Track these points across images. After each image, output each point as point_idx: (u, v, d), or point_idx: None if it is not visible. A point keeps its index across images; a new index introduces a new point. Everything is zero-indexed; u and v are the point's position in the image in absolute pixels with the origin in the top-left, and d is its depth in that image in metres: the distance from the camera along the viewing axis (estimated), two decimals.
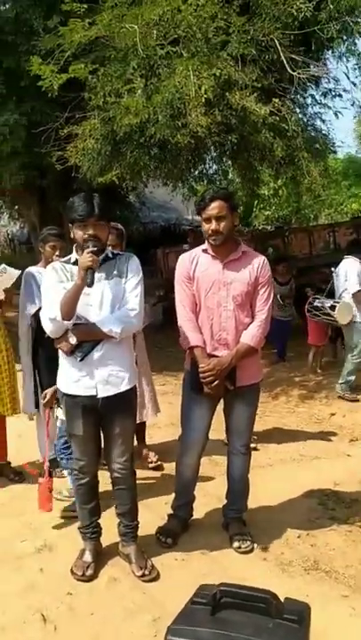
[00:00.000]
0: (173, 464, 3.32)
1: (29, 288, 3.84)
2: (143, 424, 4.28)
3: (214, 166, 7.78)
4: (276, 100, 5.05)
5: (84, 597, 2.66)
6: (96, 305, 2.68)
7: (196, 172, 7.38)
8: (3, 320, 4.01)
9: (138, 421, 4.07)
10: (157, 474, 4.02)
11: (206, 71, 4.85)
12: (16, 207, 11.59)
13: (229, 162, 7.22)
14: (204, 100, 4.82)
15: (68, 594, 2.68)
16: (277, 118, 5.15)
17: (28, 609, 2.57)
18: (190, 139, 5.10)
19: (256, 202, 17.99)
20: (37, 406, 3.88)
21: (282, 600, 1.61)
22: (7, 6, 7.26)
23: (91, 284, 2.56)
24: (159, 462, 4.14)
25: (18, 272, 3.83)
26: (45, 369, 3.69)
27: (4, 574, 2.86)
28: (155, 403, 4.21)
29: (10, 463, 4.02)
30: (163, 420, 4.74)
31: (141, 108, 4.99)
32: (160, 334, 8.24)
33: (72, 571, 2.81)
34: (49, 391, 3.37)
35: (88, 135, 5.58)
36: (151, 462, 4.13)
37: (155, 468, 4.11)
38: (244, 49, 4.98)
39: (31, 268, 3.91)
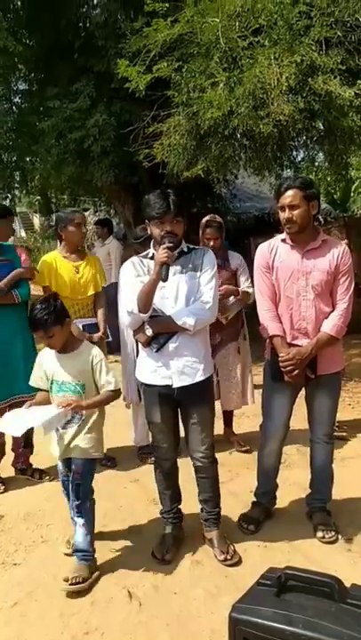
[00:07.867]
0: None
1: None
2: (230, 412, 4.48)
3: (301, 153, 7.62)
4: None
5: (168, 578, 2.79)
6: (172, 298, 2.77)
7: (283, 160, 7.26)
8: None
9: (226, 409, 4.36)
10: (242, 462, 4.07)
11: (288, 58, 4.77)
12: (112, 205, 11.96)
13: (316, 148, 7.05)
14: (285, 88, 4.76)
15: (154, 573, 2.81)
16: None
17: (116, 585, 2.73)
18: (274, 128, 5.05)
19: (354, 186, 17.27)
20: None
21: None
22: (97, 11, 7.57)
23: (165, 279, 2.66)
24: (247, 447, 4.25)
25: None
26: None
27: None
28: (246, 393, 4.40)
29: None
30: (251, 409, 4.76)
31: (224, 101, 5.00)
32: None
33: (153, 553, 2.94)
34: None
35: (173, 131, 5.66)
36: (242, 446, 4.28)
37: (245, 452, 4.23)
38: (327, 32, 4.84)
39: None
